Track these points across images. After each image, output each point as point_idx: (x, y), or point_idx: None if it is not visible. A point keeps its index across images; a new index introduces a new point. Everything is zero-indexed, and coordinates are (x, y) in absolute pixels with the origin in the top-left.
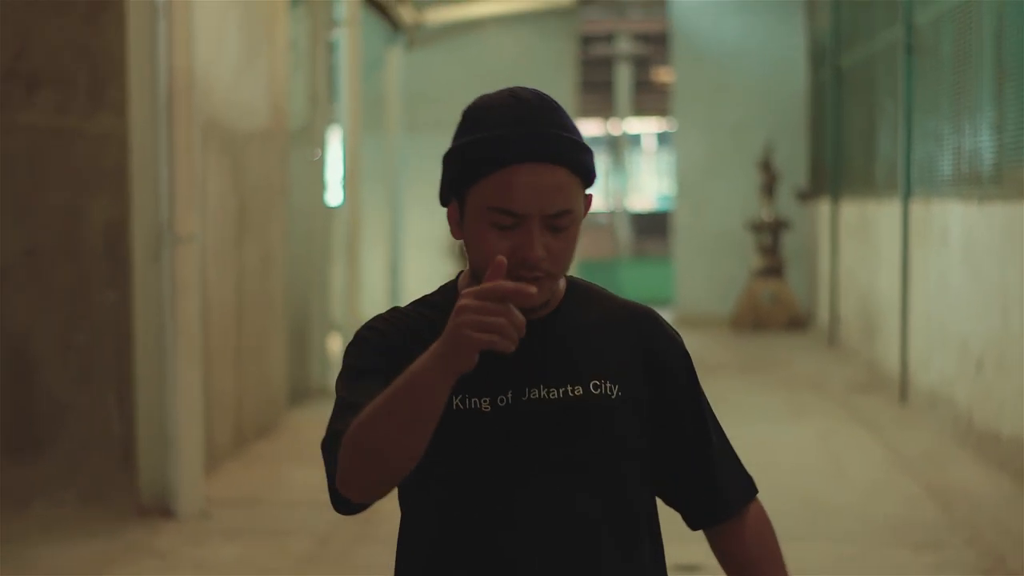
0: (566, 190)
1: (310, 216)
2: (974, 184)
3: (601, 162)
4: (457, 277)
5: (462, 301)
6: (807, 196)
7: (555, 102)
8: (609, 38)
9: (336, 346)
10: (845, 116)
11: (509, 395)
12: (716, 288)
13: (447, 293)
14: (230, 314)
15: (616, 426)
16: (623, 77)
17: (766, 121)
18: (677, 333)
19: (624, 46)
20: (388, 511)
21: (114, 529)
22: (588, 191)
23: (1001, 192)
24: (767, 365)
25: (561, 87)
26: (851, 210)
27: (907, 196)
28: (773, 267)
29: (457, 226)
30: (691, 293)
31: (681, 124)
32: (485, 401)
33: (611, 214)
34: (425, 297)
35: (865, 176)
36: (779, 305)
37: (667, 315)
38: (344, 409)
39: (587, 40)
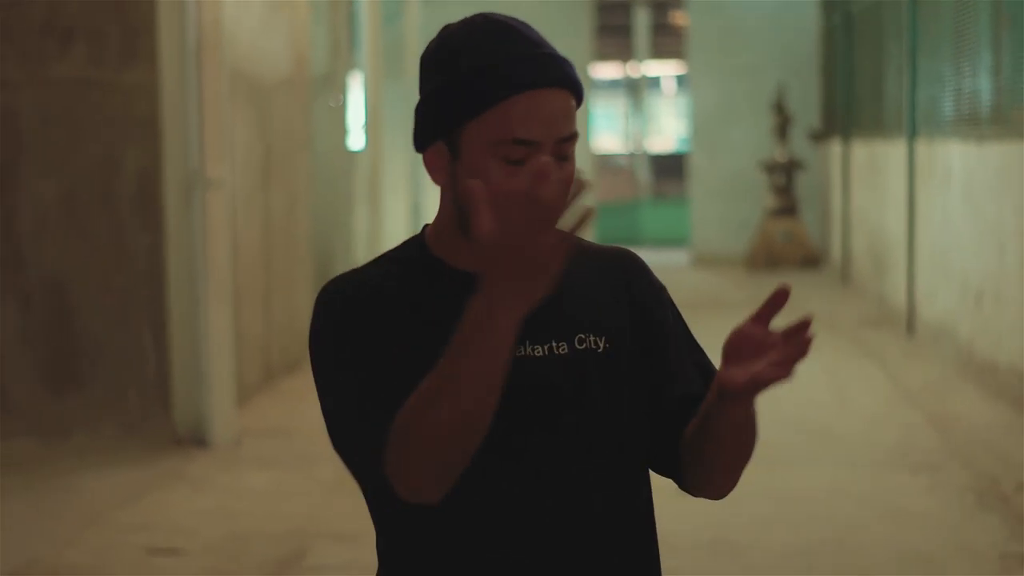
0: (572, 113)
1: (333, 161)
2: (973, 125)
3: (621, 105)
4: (422, 231)
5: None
6: (819, 137)
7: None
8: None
9: None
10: (855, 59)
11: None
12: (731, 228)
13: (411, 248)
14: (257, 256)
15: (603, 381)
16: (641, 20)
17: (779, 64)
18: (652, 273)
19: None
20: None
21: (151, 458)
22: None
23: (998, 133)
24: None
25: (579, 31)
26: (861, 150)
27: (912, 137)
28: (787, 207)
29: (442, 171)
30: (706, 233)
31: (695, 68)
32: None
33: (631, 156)
34: (386, 253)
35: (874, 117)
36: (793, 244)
37: (684, 255)
38: (363, 408)
39: None
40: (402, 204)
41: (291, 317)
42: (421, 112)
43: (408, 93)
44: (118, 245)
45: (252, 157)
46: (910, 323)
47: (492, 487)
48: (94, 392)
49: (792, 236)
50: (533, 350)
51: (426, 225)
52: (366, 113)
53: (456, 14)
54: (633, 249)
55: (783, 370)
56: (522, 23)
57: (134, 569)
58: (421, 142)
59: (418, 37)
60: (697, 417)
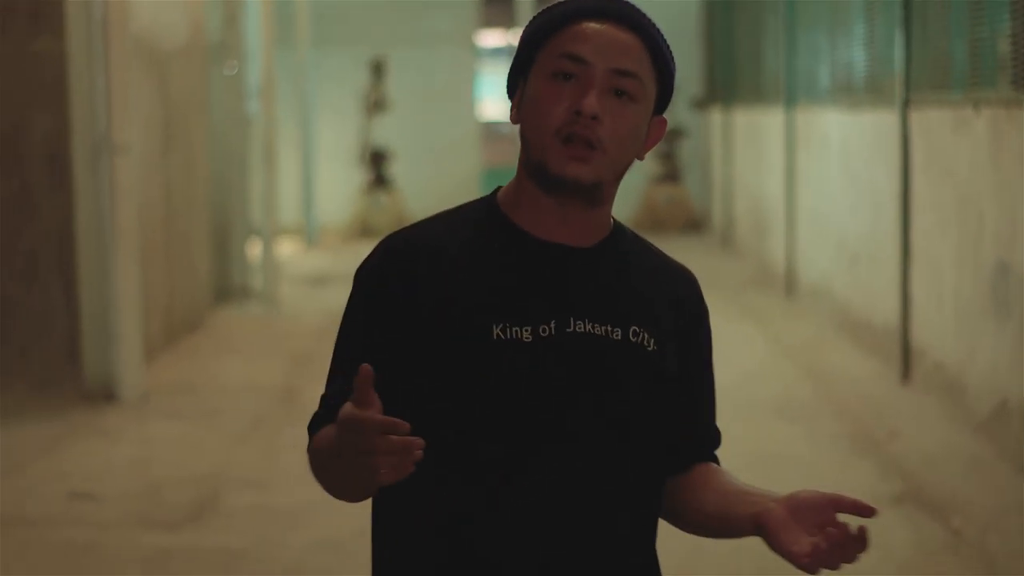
0: (636, 56)
1: (229, 127)
2: (849, 94)
3: (504, 72)
4: (494, 193)
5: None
6: (701, 105)
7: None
8: None
9: (256, 249)
10: (735, 31)
11: (552, 325)
12: (618, 192)
13: (480, 209)
14: (159, 218)
15: (646, 380)
16: None
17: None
18: (704, 302)
19: None
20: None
21: (63, 412)
22: (662, 115)
23: (872, 101)
24: None
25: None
26: (742, 118)
27: (790, 105)
28: (669, 173)
29: (516, 109)
30: None
31: None
32: (527, 331)
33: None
34: (460, 208)
35: (754, 87)
36: (676, 208)
37: None
38: (325, 397)
39: None
40: (294, 168)
41: (191, 277)
42: (521, 45)
43: (299, 60)
44: (28, 207)
45: (153, 123)
46: (789, 284)
47: (522, 464)
48: (5, 350)
49: (675, 201)
50: (592, 327)
51: (498, 187)
52: (259, 80)
53: None
54: None
55: (845, 558)
56: None
57: (57, 514)
58: (510, 87)
59: (309, 3)
60: (714, 504)
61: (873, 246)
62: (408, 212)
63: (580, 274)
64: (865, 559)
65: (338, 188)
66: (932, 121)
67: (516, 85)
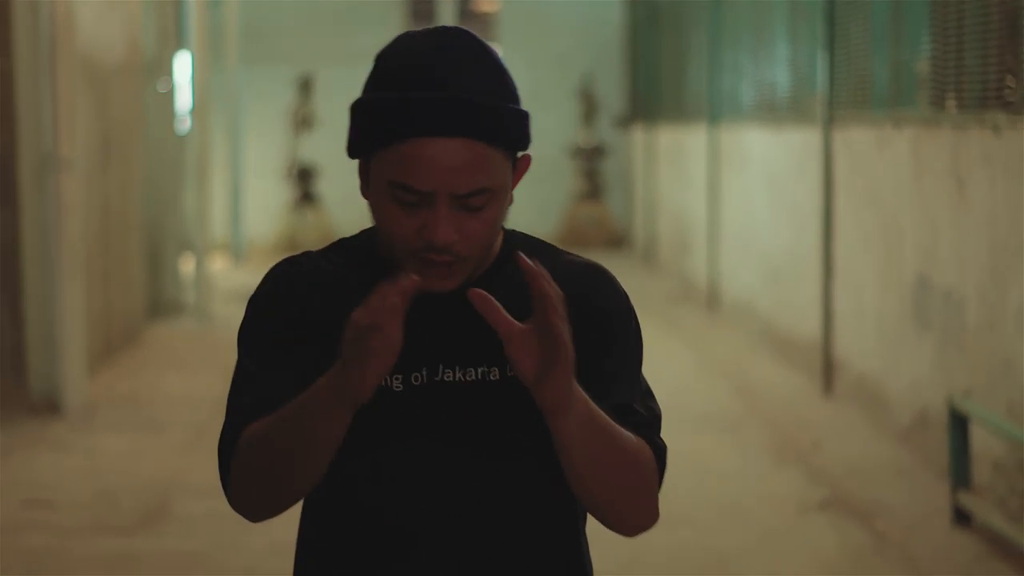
0: (482, 165)
1: (163, 144)
2: (771, 112)
3: None
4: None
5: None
6: (624, 123)
7: (485, 51)
8: None
9: (189, 265)
10: (659, 49)
11: (424, 373)
12: (539, 210)
13: (361, 246)
14: (97, 234)
15: (532, 408)
16: (446, 5)
17: (586, 53)
18: (625, 294)
19: None
20: None
21: (9, 424)
22: (524, 153)
23: (794, 119)
24: None
25: (389, 16)
26: (665, 136)
27: (713, 123)
28: (591, 190)
29: (364, 185)
30: (516, 215)
31: (505, 54)
32: (397, 379)
33: None
34: (342, 240)
35: (677, 104)
36: (598, 226)
37: None
38: (233, 415)
39: None
40: (223, 187)
41: (127, 292)
42: (352, 120)
43: (228, 78)
44: None
45: (92, 140)
46: (712, 300)
47: (409, 508)
48: None
49: (597, 219)
50: (464, 374)
51: None
52: (193, 97)
53: (272, 3)
54: None
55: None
56: (471, 51)
57: (12, 521)
58: (350, 151)
59: (238, 21)
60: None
61: (796, 262)
62: (335, 228)
63: (454, 314)
64: (793, 561)
65: (266, 204)
66: (854, 139)
67: (353, 153)
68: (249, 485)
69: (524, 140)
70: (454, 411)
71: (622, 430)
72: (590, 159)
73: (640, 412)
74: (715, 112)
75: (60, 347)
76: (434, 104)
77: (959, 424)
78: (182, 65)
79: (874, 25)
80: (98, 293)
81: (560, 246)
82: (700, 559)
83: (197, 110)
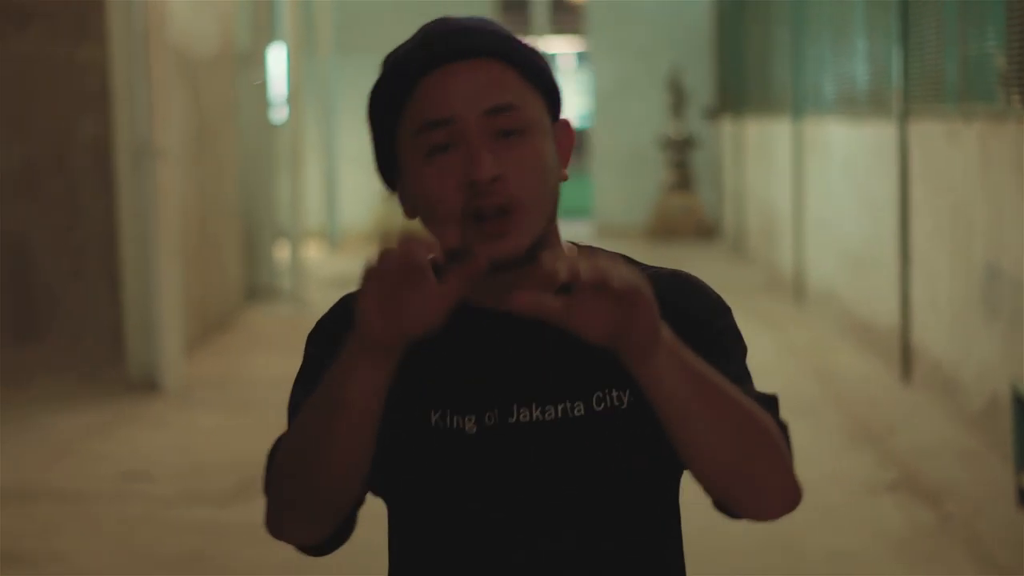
0: (502, 83)
1: (256, 134)
2: (850, 105)
3: None
4: None
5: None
6: (713, 115)
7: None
8: None
9: (284, 252)
10: (745, 42)
11: (496, 413)
12: (631, 201)
13: None
14: (194, 220)
15: (626, 441)
16: None
17: (675, 44)
18: (716, 296)
19: None
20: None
21: (108, 402)
22: (561, 117)
23: (871, 112)
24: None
25: (482, 4)
26: (753, 128)
27: (797, 116)
28: (682, 181)
29: (407, 205)
30: (608, 206)
31: (595, 45)
32: (471, 420)
33: None
34: None
35: (763, 97)
36: (688, 216)
37: (586, 227)
38: (281, 438)
39: None
40: (318, 173)
41: (223, 278)
42: (372, 138)
43: (321, 68)
44: (74, 207)
45: (187, 129)
46: (798, 289)
47: (493, 560)
48: (53, 342)
49: (688, 209)
50: (542, 413)
51: None
52: (288, 88)
53: None
54: None
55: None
56: (463, 18)
57: (113, 491)
58: (384, 179)
59: (331, 14)
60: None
61: (875, 251)
62: None
63: (524, 345)
64: (862, 540)
65: (360, 193)
66: (927, 132)
67: (389, 177)
68: (282, 482)
69: (547, 76)
70: (531, 456)
71: (734, 386)
72: (681, 150)
73: (756, 392)
74: (799, 105)
75: (158, 329)
76: (442, 36)
77: (1023, 408)
78: (276, 56)
79: (945, 20)
80: (195, 278)
81: (652, 238)
82: (763, 535)
83: (292, 99)
